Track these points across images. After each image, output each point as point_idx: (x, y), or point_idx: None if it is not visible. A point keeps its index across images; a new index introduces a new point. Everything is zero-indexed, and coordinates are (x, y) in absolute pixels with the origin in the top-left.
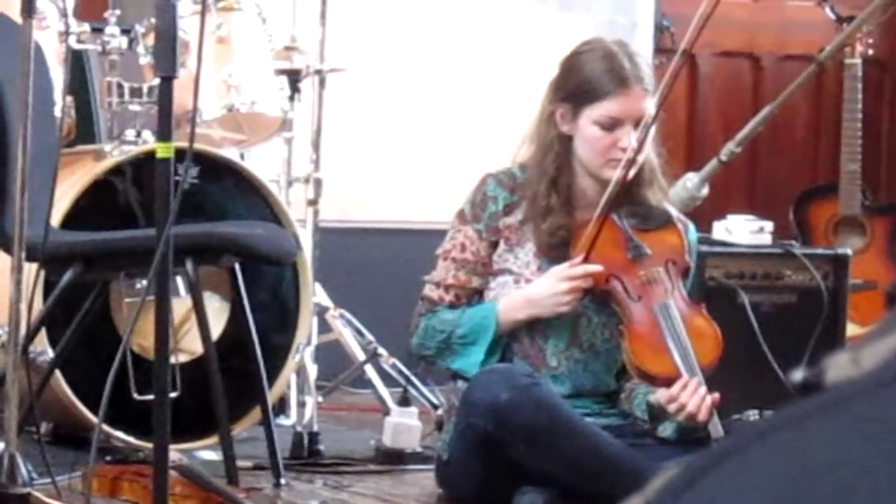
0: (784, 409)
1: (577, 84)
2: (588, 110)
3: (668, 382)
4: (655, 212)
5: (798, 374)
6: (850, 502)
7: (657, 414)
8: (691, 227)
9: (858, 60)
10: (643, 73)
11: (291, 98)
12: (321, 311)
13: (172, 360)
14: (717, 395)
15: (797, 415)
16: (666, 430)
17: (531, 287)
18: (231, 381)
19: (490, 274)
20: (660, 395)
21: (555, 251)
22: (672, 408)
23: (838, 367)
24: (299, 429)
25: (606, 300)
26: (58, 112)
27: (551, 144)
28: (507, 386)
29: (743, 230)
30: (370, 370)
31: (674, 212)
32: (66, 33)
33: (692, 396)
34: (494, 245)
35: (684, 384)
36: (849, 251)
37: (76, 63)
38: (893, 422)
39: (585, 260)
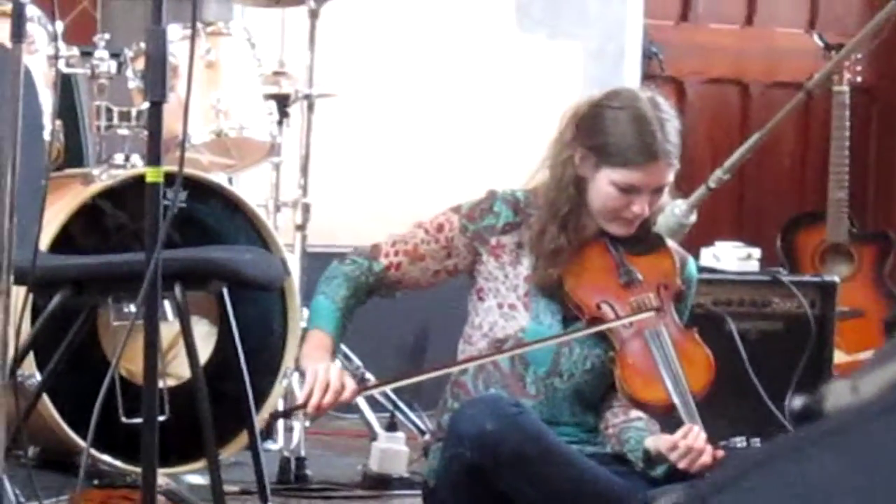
0: (783, 436)
1: (604, 143)
2: (609, 170)
3: (660, 410)
4: (647, 235)
5: (798, 401)
6: None
7: (655, 458)
8: (690, 261)
9: (846, 88)
10: (671, 146)
11: (280, 123)
12: None
13: (160, 384)
14: (720, 451)
15: (796, 443)
16: (657, 470)
17: (313, 356)
18: (218, 405)
19: (477, 293)
20: (660, 444)
21: (550, 288)
22: (674, 456)
23: (837, 394)
24: (286, 453)
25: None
26: (46, 136)
27: (566, 186)
28: (493, 416)
29: (730, 257)
30: None
31: (673, 244)
32: (56, 57)
33: (694, 445)
34: (472, 252)
35: (685, 433)
36: (836, 279)
37: (65, 87)
38: (891, 450)
39: None
